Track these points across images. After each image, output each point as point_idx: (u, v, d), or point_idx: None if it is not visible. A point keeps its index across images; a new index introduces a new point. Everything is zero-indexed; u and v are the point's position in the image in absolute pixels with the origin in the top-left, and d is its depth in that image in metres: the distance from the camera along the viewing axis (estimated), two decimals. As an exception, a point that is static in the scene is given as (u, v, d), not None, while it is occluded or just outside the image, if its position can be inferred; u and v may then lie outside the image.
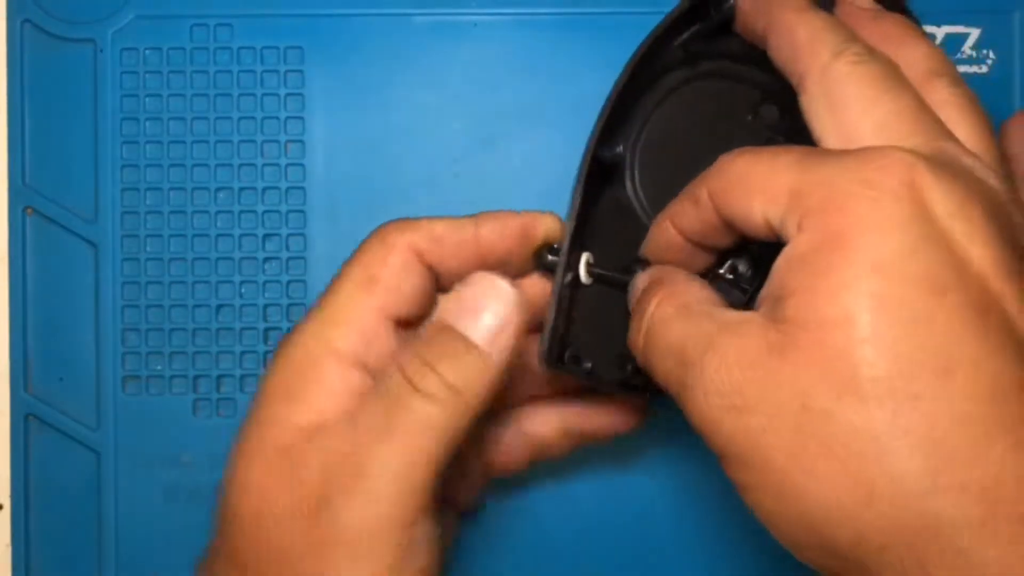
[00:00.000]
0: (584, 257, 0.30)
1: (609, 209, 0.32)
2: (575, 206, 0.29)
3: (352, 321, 0.27)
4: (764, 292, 0.24)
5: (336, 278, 0.28)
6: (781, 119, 0.31)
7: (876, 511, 0.21)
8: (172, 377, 0.37)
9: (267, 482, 0.25)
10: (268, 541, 0.25)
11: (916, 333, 0.21)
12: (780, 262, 0.23)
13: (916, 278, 0.21)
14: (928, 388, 0.21)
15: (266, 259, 0.37)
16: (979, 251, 0.22)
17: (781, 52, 0.27)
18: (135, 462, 0.37)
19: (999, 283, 0.22)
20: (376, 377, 0.26)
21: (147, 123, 0.37)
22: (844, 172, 0.22)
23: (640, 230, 0.31)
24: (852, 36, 0.25)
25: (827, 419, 0.21)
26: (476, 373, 0.25)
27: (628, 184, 0.32)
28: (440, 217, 0.29)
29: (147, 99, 0.37)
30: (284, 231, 0.37)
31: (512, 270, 0.30)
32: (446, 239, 0.28)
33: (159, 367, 0.37)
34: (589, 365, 0.30)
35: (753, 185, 0.24)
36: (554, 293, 0.29)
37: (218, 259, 0.37)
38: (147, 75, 0.37)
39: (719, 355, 0.23)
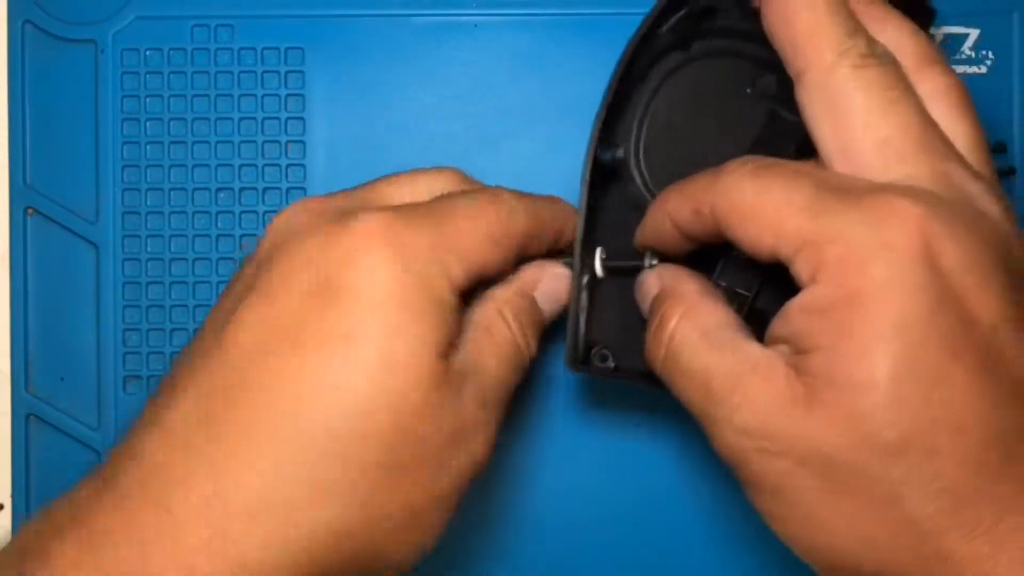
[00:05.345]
0: (598, 252, 0.31)
1: (620, 203, 0.32)
2: (581, 211, 0.30)
3: (469, 260, 0.27)
4: (778, 330, 0.25)
5: (471, 205, 0.28)
6: (779, 87, 0.31)
7: (899, 547, 0.23)
8: (173, 377, 0.37)
9: (432, 398, 0.26)
10: (421, 444, 0.26)
11: (933, 396, 0.22)
12: (796, 308, 0.24)
13: (935, 341, 0.22)
14: (943, 443, 0.22)
15: (267, 259, 0.37)
16: (987, 305, 0.23)
17: (778, 34, 0.26)
18: (136, 462, 0.37)
19: (1003, 333, 0.23)
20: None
21: (148, 124, 0.38)
22: (860, 229, 0.23)
23: None
24: (855, 28, 0.25)
25: (851, 469, 0.23)
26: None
27: (636, 176, 0.32)
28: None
29: (148, 100, 0.38)
30: (285, 231, 0.37)
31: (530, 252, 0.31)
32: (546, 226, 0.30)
33: (160, 367, 0.37)
34: (613, 365, 0.31)
35: (763, 222, 0.24)
36: (573, 298, 0.30)
37: (219, 260, 0.37)
38: (148, 76, 0.37)
39: (747, 398, 0.24)
